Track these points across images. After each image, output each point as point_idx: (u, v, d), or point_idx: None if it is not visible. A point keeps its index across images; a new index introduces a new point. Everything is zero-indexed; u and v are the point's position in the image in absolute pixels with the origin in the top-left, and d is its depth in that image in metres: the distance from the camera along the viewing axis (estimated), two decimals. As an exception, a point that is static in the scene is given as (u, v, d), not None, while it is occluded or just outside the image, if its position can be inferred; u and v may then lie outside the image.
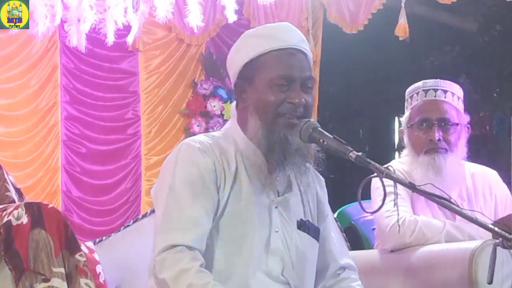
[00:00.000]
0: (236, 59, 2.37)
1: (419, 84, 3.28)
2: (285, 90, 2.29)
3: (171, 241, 2.18)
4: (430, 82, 3.25)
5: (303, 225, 2.38)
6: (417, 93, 3.25)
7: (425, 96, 3.23)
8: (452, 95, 3.23)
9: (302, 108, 2.30)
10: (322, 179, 2.53)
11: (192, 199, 2.22)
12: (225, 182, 2.28)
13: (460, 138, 3.20)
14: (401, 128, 3.31)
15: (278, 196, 2.34)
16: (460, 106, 3.24)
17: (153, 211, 3.02)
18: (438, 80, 3.27)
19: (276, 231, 2.31)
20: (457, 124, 3.19)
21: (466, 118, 3.25)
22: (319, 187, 2.50)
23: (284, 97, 2.29)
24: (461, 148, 3.21)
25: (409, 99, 3.29)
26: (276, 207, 2.33)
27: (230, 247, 2.26)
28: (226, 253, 2.25)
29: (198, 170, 2.25)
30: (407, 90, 3.31)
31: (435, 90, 3.23)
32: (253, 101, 2.31)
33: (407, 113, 3.29)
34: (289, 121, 2.29)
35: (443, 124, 3.18)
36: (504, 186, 3.30)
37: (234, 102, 2.43)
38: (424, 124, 3.19)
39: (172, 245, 2.18)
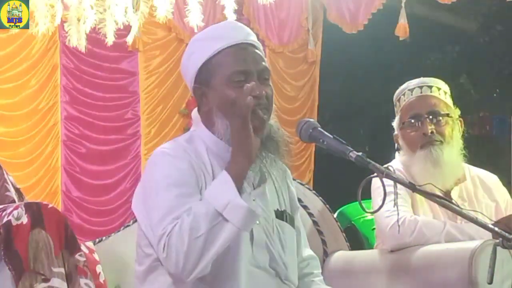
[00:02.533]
0: (190, 64, 2.39)
1: (403, 86, 3.30)
2: (244, 84, 2.29)
3: (159, 232, 2.17)
4: (414, 81, 3.28)
5: (280, 215, 2.40)
6: (404, 94, 3.27)
7: (412, 95, 3.24)
8: (437, 89, 3.25)
9: (265, 99, 2.31)
10: (289, 172, 2.56)
11: (176, 197, 2.21)
12: (205, 182, 2.29)
13: (454, 130, 3.21)
14: (395, 134, 3.32)
15: (254, 189, 2.34)
16: (448, 100, 3.25)
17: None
18: (422, 78, 3.29)
19: (258, 223, 2.30)
20: (448, 115, 3.20)
21: (456, 112, 3.26)
22: (288, 179, 2.52)
23: None
24: (457, 140, 3.21)
25: (397, 103, 3.31)
26: (254, 200, 2.32)
27: None
28: None
29: (178, 173, 2.26)
30: (394, 95, 3.33)
31: (421, 87, 3.25)
32: (215, 102, 2.32)
33: (397, 116, 3.30)
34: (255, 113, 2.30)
35: (433, 117, 3.18)
36: (504, 191, 3.30)
37: (195, 109, 2.45)
38: (415, 121, 3.20)
39: (162, 234, 2.16)
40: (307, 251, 2.56)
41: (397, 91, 3.32)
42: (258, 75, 2.32)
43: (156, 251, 2.20)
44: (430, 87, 3.24)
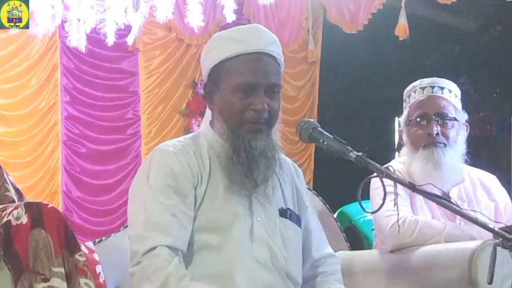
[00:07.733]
0: (206, 60, 2.40)
1: (416, 83, 3.30)
2: (248, 96, 2.30)
3: (145, 246, 2.21)
4: (427, 80, 3.28)
5: (284, 213, 2.41)
6: (415, 91, 3.27)
7: (423, 93, 3.25)
8: (449, 92, 3.25)
9: (266, 114, 2.31)
10: (300, 171, 2.57)
11: (166, 205, 2.24)
12: (201, 179, 2.31)
13: (459, 135, 3.21)
14: (400, 129, 3.33)
15: (257, 186, 2.35)
16: (458, 104, 3.25)
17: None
18: (435, 78, 3.30)
19: (259, 220, 2.33)
20: (455, 119, 3.20)
21: (464, 116, 3.26)
22: (297, 178, 2.52)
23: (248, 103, 2.30)
24: (460, 144, 3.21)
25: (407, 99, 3.31)
26: (255, 198, 2.35)
27: (214, 239, 2.27)
28: (211, 245, 2.27)
29: (172, 174, 2.28)
30: (405, 90, 3.33)
31: (432, 87, 3.25)
32: (219, 105, 2.35)
33: (405, 112, 3.30)
34: (253, 127, 2.31)
35: (440, 118, 3.19)
36: (504, 191, 3.30)
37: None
38: (422, 120, 3.20)
39: (147, 249, 2.20)
40: (327, 249, 2.55)
41: (408, 87, 3.32)
42: (265, 89, 2.31)
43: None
44: (442, 88, 3.24)
